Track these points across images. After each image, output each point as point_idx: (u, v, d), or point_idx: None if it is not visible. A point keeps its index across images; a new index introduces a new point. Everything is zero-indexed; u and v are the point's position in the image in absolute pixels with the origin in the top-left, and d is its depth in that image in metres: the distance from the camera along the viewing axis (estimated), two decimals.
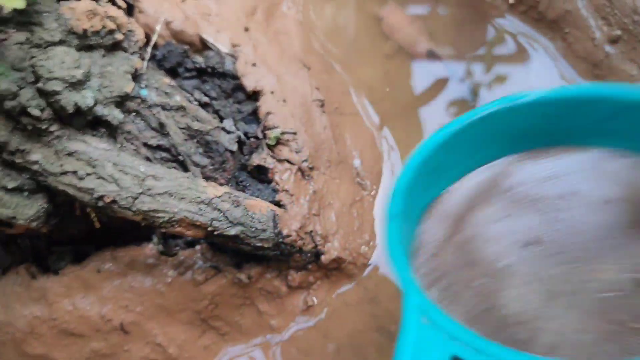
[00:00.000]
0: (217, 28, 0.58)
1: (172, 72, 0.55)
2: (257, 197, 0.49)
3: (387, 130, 0.61)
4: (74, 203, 0.43)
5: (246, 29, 0.60)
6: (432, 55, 0.67)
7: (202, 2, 0.59)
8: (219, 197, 0.44)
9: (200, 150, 0.49)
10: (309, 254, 0.51)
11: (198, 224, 0.42)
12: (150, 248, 0.50)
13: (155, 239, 0.51)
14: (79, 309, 0.50)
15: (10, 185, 0.38)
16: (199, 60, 0.55)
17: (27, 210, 0.40)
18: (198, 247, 0.50)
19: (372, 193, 0.58)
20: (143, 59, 0.46)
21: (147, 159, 0.47)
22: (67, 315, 0.50)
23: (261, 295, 0.52)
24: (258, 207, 0.46)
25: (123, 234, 0.51)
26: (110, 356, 0.51)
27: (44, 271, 0.51)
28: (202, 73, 0.56)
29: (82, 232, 0.51)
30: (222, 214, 0.43)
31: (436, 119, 0.62)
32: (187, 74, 0.55)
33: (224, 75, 0.55)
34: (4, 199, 0.38)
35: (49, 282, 0.50)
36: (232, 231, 0.44)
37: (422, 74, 0.66)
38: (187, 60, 0.56)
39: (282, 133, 0.52)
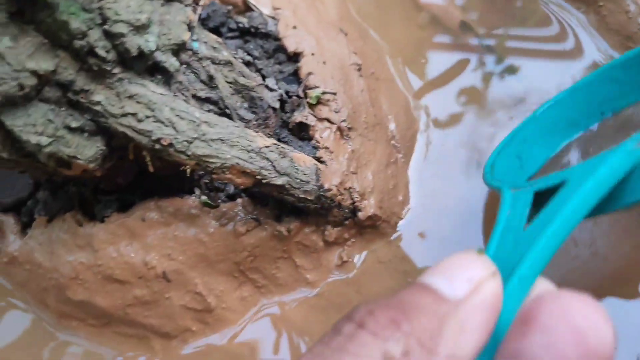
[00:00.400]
0: None
1: (215, 32, 0.57)
2: None
3: (424, 100, 0.62)
4: (129, 147, 0.44)
5: None
6: (464, 27, 0.68)
7: None
8: (268, 147, 0.45)
9: (246, 105, 0.51)
10: (346, 210, 0.52)
11: (248, 171, 0.44)
12: (193, 200, 0.52)
13: (198, 191, 0.53)
14: (124, 255, 0.51)
15: (73, 124, 0.40)
16: (243, 20, 0.56)
17: (87, 150, 0.41)
18: (239, 200, 0.52)
19: (406, 155, 0.59)
20: (195, 12, 0.47)
21: None
22: (112, 261, 0.52)
23: (298, 250, 0.54)
24: (302, 160, 0.48)
25: (166, 185, 0.52)
26: (152, 303, 0.53)
27: (90, 219, 0.53)
28: (244, 33, 0.57)
29: (128, 182, 0.53)
30: (270, 163, 0.45)
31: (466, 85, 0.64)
32: (230, 34, 0.57)
33: (266, 35, 0.56)
34: (66, 138, 0.40)
35: (95, 229, 0.52)
36: (279, 181, 0.46)
37: (453, 48, 0.68)
38: (230, 21, 0.57)
39: (323, 93, 0.54)
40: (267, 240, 0.52)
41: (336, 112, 0.54)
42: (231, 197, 0.53)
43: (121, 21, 0.38)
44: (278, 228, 0.51)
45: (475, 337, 0.25)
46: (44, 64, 0.36)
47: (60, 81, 0.38)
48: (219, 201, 0.52)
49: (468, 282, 0.26)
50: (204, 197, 0.52)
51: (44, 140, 0.39)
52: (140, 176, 0.53)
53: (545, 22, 0.65)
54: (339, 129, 0.54)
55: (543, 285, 0.29)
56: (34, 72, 0.36)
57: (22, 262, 0.56)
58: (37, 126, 0.38)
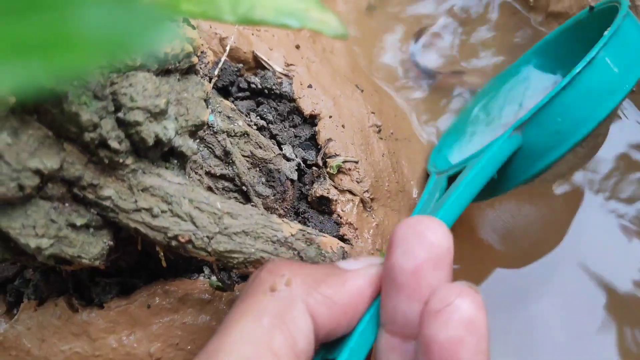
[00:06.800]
0: (268, 45, 0.55)
1: (224, 91, 0.52)
2: (320, 230, 0.47)
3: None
4: (137, 239, 0.39)
5: (297, 47, 0.57)
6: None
7: None
8: (294, 235, 0.40)
9: (263, 179, 0.46)
10: None
11: None
12: (203, 282, 0.47)
13: (207, 270, 0.48)
14: (126, 346, 0.46)
15: (79, 222, 0.34)
16: (255, 80, 0.52)
17: (92, 248, 0.36)
18: None
19: None
20: (210, 82, 0.43)
21: (209, 188, 0.44)
22: (112, 352, 0.46)
23: None
24: (329, 245, 0.43)
25: (173, 265, 0.47)
26: None
27: (86, 304, 0.47)
28: (255, 94, 0.53)
29: (130, 263, 0.47)
30: (297, 253, 0.40)
31: None
32: (240, 94, 0.52)
33: (280, 96, 0.52)
34: (70, 237, 0.34)
35: (93, 317, 0.46)
36: None
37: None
38: (240, 80, 0.52)
39: (344, 161, 0.50)
40: None
41: (358, 182, 0.50)
42: (244, 277, 0.48)
43: (137, 108, 0.33)
44: None
45: (354, 290, 0.32)
46: (49, 161, 0.31)
47: (65, 177, 0.33)
48: (229, 282, 0.48)
49: (359, 263, 0.34)
50: (214, 279, 0.47)
51: (45, 242, 0.33)
52: (143, 256, 0.47)
53: None
54: (362, 201, 0.50)
55: None
56: (37, 171, 0.31)
57: (7, 347, 0.50)
58: (37, 228, 0.33)
